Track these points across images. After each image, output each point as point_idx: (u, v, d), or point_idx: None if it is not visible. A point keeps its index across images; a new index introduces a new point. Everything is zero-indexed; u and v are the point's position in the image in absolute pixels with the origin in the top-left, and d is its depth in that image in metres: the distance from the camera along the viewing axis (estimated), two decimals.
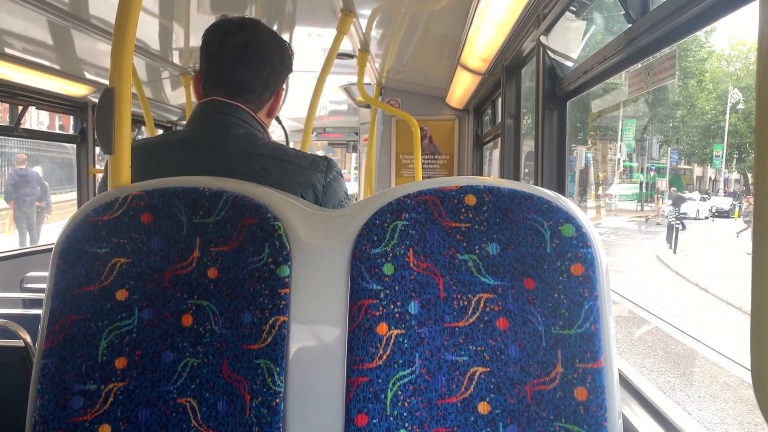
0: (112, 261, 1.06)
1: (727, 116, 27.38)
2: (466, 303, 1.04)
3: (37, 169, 11.39)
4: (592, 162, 27.32)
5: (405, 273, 1.04)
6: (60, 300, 1.04)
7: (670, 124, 30.37)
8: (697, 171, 34.19)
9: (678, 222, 17.68)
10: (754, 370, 0.65)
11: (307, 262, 1.06)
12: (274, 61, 1.49)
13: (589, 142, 26.88)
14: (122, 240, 1.07)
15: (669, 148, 30.86)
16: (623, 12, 1.48)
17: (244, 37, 1.46)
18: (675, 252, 16.80)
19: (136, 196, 1.08)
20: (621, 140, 27.72)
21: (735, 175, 31.25)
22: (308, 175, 1.40)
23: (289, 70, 1.57)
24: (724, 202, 26.57)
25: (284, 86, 1.59)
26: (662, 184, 31.35)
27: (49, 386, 1.02)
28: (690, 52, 27.16)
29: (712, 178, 33.13)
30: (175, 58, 3.54)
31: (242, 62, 1.45)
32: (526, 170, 3.39)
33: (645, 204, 28.85)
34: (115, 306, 1.06)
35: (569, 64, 2.16)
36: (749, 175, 27.93)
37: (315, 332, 1.05)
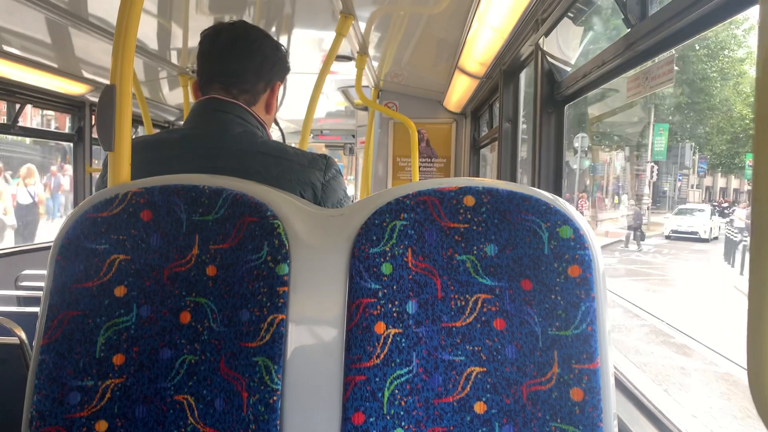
0: (111, 257, 1.06)
1: None
2: (463, 303, 1.04)
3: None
4: (620, 169, 25.94)
5: (403, 272, 1.04)
6: (58, 296, 1.04)
7: (703, 130, 27.38)
8: (720, 182, 31.61)
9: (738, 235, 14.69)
10: (750, 374, 0.65)
11: (305, 261, 1.06)
12: (266, 51, 1.52)
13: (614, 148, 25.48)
14: (121, 237, 1.07)
15: (697, 157, 28.26)
16: (622, 17, 1.49)
17: (234, 32, 1.50)
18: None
19: (136, 193, 1.08)
20: (653, 146, 25.01)
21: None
22: (307, 174, 1.40)
23: (285, 64, 1.59)
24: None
25: (280, 82, 1.60)
26: (694, 195, 29.00)
27: (46, 381, 1.02)
28: (725, 51, 24.46)
29: (737, 188, 30.42)
30: (173, 58, 3.54)
31: (233, 53, 1.49)
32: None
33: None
34: (114, 302, 1.06)
35: (567, 68, 2.17)
36: None
37: (313, 330, 1.05)
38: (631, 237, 18.92)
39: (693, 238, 19.47)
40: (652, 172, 25.38)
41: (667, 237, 19.82)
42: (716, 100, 25.31)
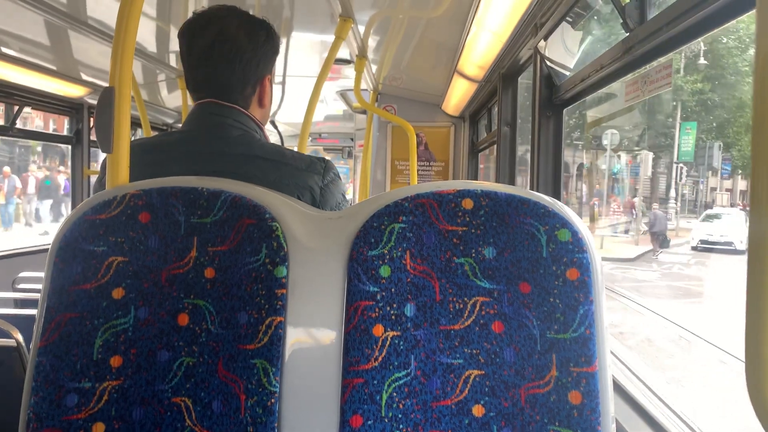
0: (109, 259, 1.06)
1: None
2: (461, 306, 1.04)
3: None
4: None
5: (401, 275, 1.04)
6: (56, 298, 1.04)
7: (731, 129, 24.61)
8: (741, 184, 28.95)
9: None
10: (748, 376, 0.65)
11: (304, 263, 1.06)
12: (246, 54, 1.41)
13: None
14: (119, 239, 1.07)
15: (721, 158, 25.39)
16: (621, 21, 1.49)
17: (210, 35, 1.39)
18: None
19: (134, 195, 1.08)
20: (679, 146, 22.64)
21: None
22: (305, 177, 1.39)
23: (270, 54, 1.48)
24: None
25: (270, 75, 1.51)
26: (721, 199, 26.70)
27: (43, 384, 1.01)
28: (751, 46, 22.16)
29: None
30: (172, 61, 3.55)
31: (210, 63, 1.39)
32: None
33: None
34: (111, 304, 1.05)
35: (566, 72, 2.18)
36: None
37: (311, 333, 1.05)
38: (659, 245, 16.75)
39: (727, 249, 16.28)
40: (680, 173, 23.41)
41: (694, 248, 16.86)
42: (748, 96, 24.03)
